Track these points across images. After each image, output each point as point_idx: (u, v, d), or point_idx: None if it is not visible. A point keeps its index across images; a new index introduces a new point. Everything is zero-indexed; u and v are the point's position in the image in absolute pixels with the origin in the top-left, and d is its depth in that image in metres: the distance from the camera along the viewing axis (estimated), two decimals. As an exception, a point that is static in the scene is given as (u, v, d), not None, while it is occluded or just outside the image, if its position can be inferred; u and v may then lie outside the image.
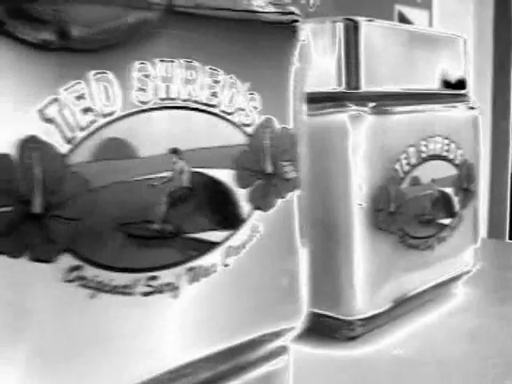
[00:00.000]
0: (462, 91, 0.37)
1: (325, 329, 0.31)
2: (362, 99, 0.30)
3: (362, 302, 0.31)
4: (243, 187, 0.19)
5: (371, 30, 0.31)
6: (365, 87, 0.30)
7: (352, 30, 0.30)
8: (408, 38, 0.33)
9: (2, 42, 0.14)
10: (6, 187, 0.14)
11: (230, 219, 0.19)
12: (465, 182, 0.36)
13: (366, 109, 0.30)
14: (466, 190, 0.36)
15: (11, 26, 0.14)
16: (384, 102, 0.31)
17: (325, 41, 0.30)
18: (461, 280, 0.37)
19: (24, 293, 0.15)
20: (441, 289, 0.36)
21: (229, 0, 0.19)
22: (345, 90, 0.30)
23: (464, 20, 1.07)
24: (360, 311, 0.31)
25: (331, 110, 0.30)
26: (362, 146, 0.30)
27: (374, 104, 0.30)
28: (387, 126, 0.31)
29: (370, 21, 0.31)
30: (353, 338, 0.32)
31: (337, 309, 0.31)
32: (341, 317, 0.31)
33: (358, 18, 0.31)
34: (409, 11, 1.06)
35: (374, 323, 0.32)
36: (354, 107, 0.30)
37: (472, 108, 0.37)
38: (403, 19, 1.05)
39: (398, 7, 1.04)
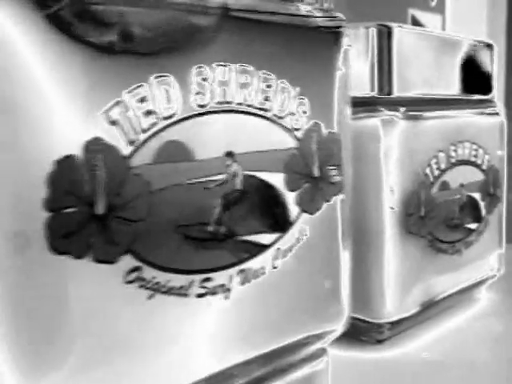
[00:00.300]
0: (489, 97, 0.37)
1: (353, 331, 0.31)
2: (394, 104, 0.30)
3: (391, 305, 0.31)
4: (292, 190, 0.19)
5: (403, 36, 0.31)
6: (397, 92, 0.30)
7: (385, 36, 0.30)
8: (438, 44, 0.33)
9: (70, 45, 0.14)
10: (72, 188, 0.14)
11: (280, 222, 0.19)
12: (491, 187, 0.36)
13: (397, 114, 0.30)
14: (492, 196, 0.36)
15: (78, 28, 0.14)
16: (415, 107, 0.31)
17: (358, 46, 0.30)
18: (485, 285, 0.37)
19: (86, 293, 0.15)
20: (466, 293, 0.36)
21: (279, 6, 0.19)
22: (377, 95, 0.30)
23: (477, 24, 1.07)
24: (389, 314, 0.31)
25: (364, 114, 0.30)
26: (393, 151, 0.30)
27: (405, 109, 0.30)
28: (418, 131, 0.31)
29: (401, 26, 0.31)
30: (381, 341, 0.32)
31: (366, 312, 0.31)
32: (370, 320, 0.31)
33: (391, 24, 0.31)
34: (422, 15, 1.07)
35: (401, 327, 0.32)
36: (386, 112, 0.30)
37: (498, 114, 0.37)
38: (416, 23, 1.05)
39: (411, 11, 1.04)
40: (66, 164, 0.14)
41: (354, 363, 0.30)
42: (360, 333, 0.32)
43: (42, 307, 0.14)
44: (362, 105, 0.30)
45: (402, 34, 0.31)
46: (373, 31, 0.31)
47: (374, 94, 0.30)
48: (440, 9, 1.12)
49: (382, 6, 0.92)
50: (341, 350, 0.31)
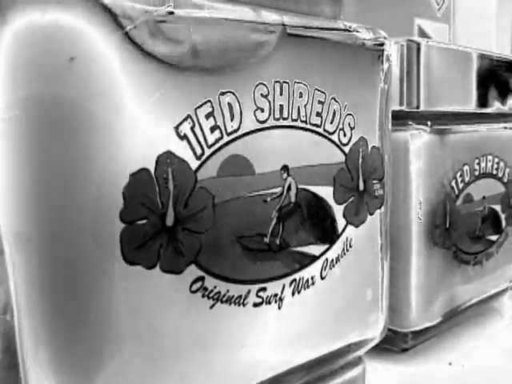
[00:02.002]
0: (511, 110, 0.37)
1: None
2: (422, 118, 0.31)
3: (416, 314, 0.32)
4: (339, 203, 0.20)
5: (431, 51, 0.32)
6: (424, 107, 0.31)
7: (414, 51, 0.31)
8: (464, 59, 0.34)
9: (144, 62, 0.15)
10: (145, 200, 0.15)
11: (328, 234, 0.20)
12: (511, 199, 0.37)
13: (425, 127, 0.31)
14: (513, 208, 0.37)
15: (151, 46, 0.15)
16: (442, 121, 0.32)
17: (387, 60, 0.31)
18: (506, 295, 0.38)
19: (155, 302, 0.15)
20: (487, 303, 0.36)
21: (328, 22, 0.20)
22: (406, 109, 0.31)
23: (484, 34, 1.08)
24: (414, 324, 0.32)
25: (393, 128, 0.30)
26: (421, 163, 0.31)
27: (433, 123, 0.31)
28: (445, 145, 0.31)
29: (429, 42, 0.32)
30: (405, 350, 0.32)
31: (392, 321, 0.32)
32: (396, 329, 0.32)
33: (419, 39, 0.31)
34: (428, 24, 1.07)
35: (425, 336, 0.33)
36: (415, 126, 0.31)
37: (518, 127, 0.38)
38: (422, 32, 1.06)
39: (418, 20, 1.05)
40: (140, 177, 0.15)
41: (378, 372, 0.30)
42: (385, 342, 0.33)
43: (111, 313, 0.15)
44: (392, 118, 0.31)
45: (429, 49, 0.32)
46: (402, 47, 0.31)
47: (403, 108, 0.31)
48: (447, 18, 1.13)
49: (389, 16, 0.93)
50: (367, 359, 0.31)
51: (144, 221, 0.15)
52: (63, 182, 0.14)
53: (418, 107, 0.31)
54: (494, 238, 0.36)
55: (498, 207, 0.36)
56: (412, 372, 0.30)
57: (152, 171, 0.15)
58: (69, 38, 0.14)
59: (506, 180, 0.36)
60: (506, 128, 0.36)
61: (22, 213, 0.14)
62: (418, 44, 0.31)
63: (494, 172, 0.35)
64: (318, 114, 0.19)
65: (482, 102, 0.35)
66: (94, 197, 0.14)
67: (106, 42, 0.14)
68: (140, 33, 0.15)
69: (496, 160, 0.35)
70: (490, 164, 0.35)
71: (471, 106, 0.35)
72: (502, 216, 0.37)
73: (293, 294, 0.19)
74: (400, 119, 0.31)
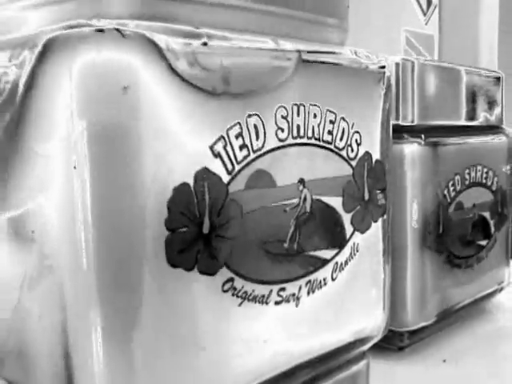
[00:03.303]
0: (498, 123, 0.40)
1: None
2: (417, 132, 0.33)
3: (412, 315, 0.34)
4: (347, 212, 0.22)
5: (424, 69, 0.34)
6: (418, 121, 0.34)
7: (408, 69, 0.34)
8: (455, 76, 0.36)
9: (185, 89, 0.17)
10: (185, 211, 0.17)
11: (338, 239, 0.22)
12: (499, 206, 0.40)
13: (419, 140, 0.33)
14: (501, 214, 0.40)
15: (190, 74, 0.17)
16: (435, 134, 0.34)
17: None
18: (495, 296, 0.40)
19: (192, 300, 0.18)
20: (478, 304, 0.39)
21: (337, 48, 0.22)
22: (402, 123, 0.33)
23: (469, 46, 1.11)
24: (410, 324, 0.34)
25: (391, 140, 0.33)
26: (416, 174, 0.33)
27: (426, 135, 0.33)
28: (438, 156, 0.34)
29: (422, 60, 0.34)
30: (402, 348, 0.35)
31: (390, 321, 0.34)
32: (393, 328, 0.34)
33: (413, 59, 0.34)
34: (415, 34, 1.09)
35: (420, 335, 0.35)
36: (410, 139, 0.33)
37: (506, 138, 0.40)
38: (409, 42, 1.08)
39: (405, 29, 1.07)
40: (181, 191, 0.17)
41: (378, 367, 0.33)
42: (382, 341, 0.35)
43: (157, 311, 0.17)
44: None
45: (423, 67, 0.34)
46: (397, 65, 0.34)
47: (399, 122, 0.33)
48: (433, 28, 1.15)
49: (377, 25, 0.95)
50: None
51: (184, 229, 0.17)
52: (117, 196, 0.16)
53: (412, 121, 0.34)
54: (483, 242, 0.39)
55: (487, 214, 0.39)
56: (408, 368, 0.32)
57: (191, 185, 0.17)
58: (122, 71, 0.16)
59: (494, 188, 0.39)
60: (494, 139, 0.39)
61: (82, 222, 0.16)
62: (412, 62, 0.33)
63: (484, 181, 0.38)
64: (330, 133, 0.21)
65: (472, 115, 0.38)
66: (143, 208, 0.16)
67: (153, 73, 0.17)
68: (181, 64, 0.17)
69: (485, 169, 0.38)
70: (479, 173, 0.37)
71: (461, 120, 0.37)
72: (491, 222, 0.39)
73: (308, 293, 0.21)
74: (396, 133, 0.33)
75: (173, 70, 0.17)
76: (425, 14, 1.16)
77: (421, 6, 1.14)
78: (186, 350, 0.18)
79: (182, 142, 0.17)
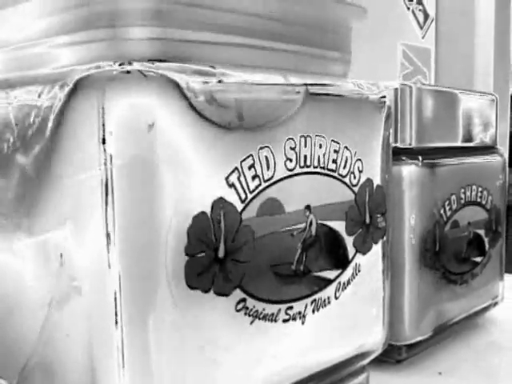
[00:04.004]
0: (493, 143, 0.42)
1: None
2: (414, 154, 0.35)
3: (409, 329, 0.36)
4: (350, 235, 0.24)
5: (422, 94, 0.36)
6: (416, 144, 0.35)
7: (406, 94, 0.35)
8: (451, 99, 0.38)
9: (202, 125, 0.19)
10: (203, 237, 0.19)
11: (341, 261, 0.24)
12: (494, 224, 0.41)
13: (417, 162, 0.35)
14: (495, 232, 0.41)
15: (208, 112, 0.19)
16: (432, 155, 0.36)
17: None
18: (489, 311, 0.42)
19: (208, 319, 0.19)
20: (473, 318, 0.41)
21: (341, 81, 0.24)
22: (400, 146, 0.35)
23: (467, 56, 1.12)
24: (408, 338, 0.36)
25: (389, 162, 0.34)
26: (414, 194, 0.35)
27: (423, 157, 0.35)
28: (434, 177, 0.36)
29: (420, 85, 0.36)
30: (400, 361, 0.36)
31: (388, 335, 0.36)
32: (391, 342, 0.35)
33: (411, 84, 0.36)
34: (412, 48, 1.10)
35: (417, 348, 0.37)
36: (408, 160, 0.35)
37: (500, 158, 0.42)
38: (406, 55, 1.09)
39: (402, 43, 1.08)
40: (200, 219, 0.19)
41: (376, 379, 0.34)
42: (382, 354, 0.36)
43: (177, 329, 0.19)
44: (388, 154, 0.35)
45: (420, 92, 0.36)
46: (396, 90, 0.35)
47: (398, 144, 0.35)
48: (430, 42, 1.17)
49: (374, 40, 0.97)
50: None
51: (202, 254, 0.19)
52: (142, 225, 0.18)
53: (410, 144, 0.35)
54: (478, 259, 0.40)
55: (481, 232, 0.40)
56: (405, 380, 0.34)
57: (209, 214, 0.19)
58: (147, 109, 0.18)
59: (489, 207, 0.41)
60: (488, 159, 0.41)
61: (108, 248, 0.17)
62: (410, 87, 0.35)
63: (478, 200, 0.40)
64: (334, 161, 0.23)
65: (467, 137, 0.39)
66: (166, 236, 0.18)
67: (174, 110, 0.18)
68: (199, 101, 0.19)
69: (480, 189, 0.39)
70: (474, 193, 0.39)
71: (457, 141, 0.39)
72: (486, 240, 0.41)
73: (313, 311, 0.23)
74: (395, 155, 0.35)
75: (192, 108, 0.18)
76: (421, 28, 1.18)
77: (418, 20, 1.16)
78: (203, 364, 0.19)
79: (200, 174, 0.18)
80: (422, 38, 1.16)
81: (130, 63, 0.18)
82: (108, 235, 0.17)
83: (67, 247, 0.19)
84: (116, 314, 0.18)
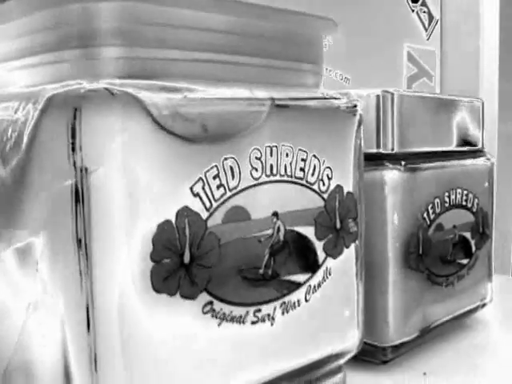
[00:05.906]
0: (479, 147, 0.43)
1: (361, 353, 0.37)
2: (396, 158, 0.36)
3: (394, 331, 0.36)
4: (320, 240, 0.25)
5: (403, 100, 0.37)
6: (398, 149, 0.36)
7: (388, 100, 0.36)
8: (434, 105, 0.39)
9: (167, 138, 0.20)
10: (168, 244, 0.20)
11: (311, 265, 0.25)
12: (480, 227, 0.42)
13: (399, 166, 0.36)
14: (482, 234, 0.42)
15: (172, 125, 0.20)
16: (414, 160, 0.37)
17: (366, 109, 0.36)
18: (477, 312, 0.43)
19: (176, 322, 0.20)
20: (459, 320, 0.41)
21: (309, 92, 0.25)
22: (382, 151, 0.36)
23: (472, 58, 1.12)
24: (392, 339, 0.36)
25: (371, 167, 0.35)
26: (396, 198, 0.36)
27: (406, 162, 0.36)
28: (417, 181, 0.37)
29: (401, 92, 0.37)
30: (385, 362, 0.37)
31: (372, 336, 0.36)
32: (376, 343, 0.36)
33: (393, 90, 0.37)
34: (417, 49, 1.10)
35: (402, 349, 0.38)
36: (390, 165, 0.36)
37: (487, 162, 0.43)
38: (411, 57, 1.09)
39: (407, 45, 1.08)
40: (164, 227, 0.20)
41: (360, 379, 0.35)
42: (366, 355, 0.37)
43: (145, 331, 0.20)
44: (370, 159, 0.36)
45: (402, 98, 0.37)
46: (378, 96, 0.36)
47: (380, 150, 0.36)
48: (435, 43, 1.17)
49: (378, 42, 0.97)
50: (350, 370, 0.36)
51: (168, 260, 0.20)
52: (111, 232, 0.19)
53: (392, 149, 0.36)
54: (464, 261, 0.41)
55: (468, 234, 0.41)
56: (389, 381, 0.35)
57: (173, 222, 0.20)
58: (113, 125, 0.19)
59: (475, 210, 0.41)
60: (474, 163, 0.41)
61: (77, 254, 0.19)
62: (392, 94, 0.36)
63: (464, 203, 0.40)
64: (301, 169, 0.24)
65: (452, 141, 0.40)
66: (133, 243, 0.19)
67: (139, 125, 0.19)
68: (163, 116, 0.20)
69: (465, 192, 0.40)
70: (459, 196, 0.40)
71: (441, 146, 0.40)
72: (472, 242, 0.42)
73: (282, 313, 0.24)
74: (377, 160, 0.36)
75: (156, 122, 0.20)
76: (426, 30, 1.19)
77: (422, 22, 1.16)
78: (173, 365, 0.20)
79: (166, 184, 0.20)
80: (427, 39, 1.17)
81: (97, 81, 0.19)
82: (79, 242, 0.18)
83: (42, 254, 0.20)
84: (85, 317, 0.19)
